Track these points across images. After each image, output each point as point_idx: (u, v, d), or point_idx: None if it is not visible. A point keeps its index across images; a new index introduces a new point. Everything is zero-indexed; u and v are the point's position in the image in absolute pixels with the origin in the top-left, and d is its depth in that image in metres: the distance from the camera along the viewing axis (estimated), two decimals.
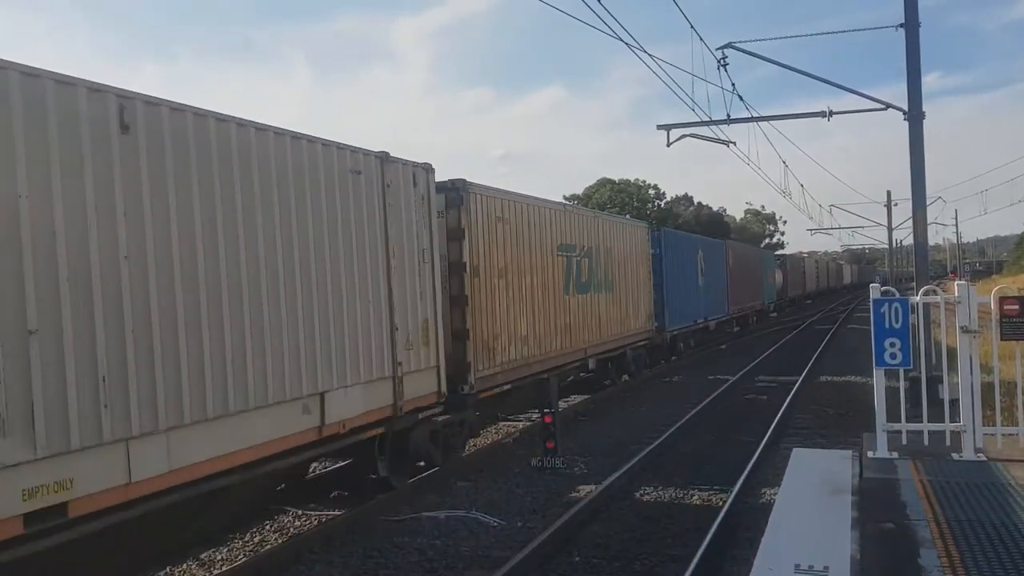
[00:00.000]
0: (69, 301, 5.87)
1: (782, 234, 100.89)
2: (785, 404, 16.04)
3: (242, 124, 7.61)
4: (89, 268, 6.04)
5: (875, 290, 7.55)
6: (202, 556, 8.43)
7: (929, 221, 15.88)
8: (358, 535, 8.94)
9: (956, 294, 7.43)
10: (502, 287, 13.15)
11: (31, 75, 5.73)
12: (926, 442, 7.50)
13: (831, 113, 17.33)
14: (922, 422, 7.59)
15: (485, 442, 13.91)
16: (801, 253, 75.53)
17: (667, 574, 7.64)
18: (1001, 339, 7.38)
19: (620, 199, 67.62)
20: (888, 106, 15.68)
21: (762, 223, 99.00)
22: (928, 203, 15.10)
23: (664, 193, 74.51)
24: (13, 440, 5.44)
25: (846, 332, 36.62)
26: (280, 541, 8.91)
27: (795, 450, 7.95)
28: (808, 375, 20.86)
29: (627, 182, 71.46)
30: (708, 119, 17.96)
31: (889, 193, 42.14)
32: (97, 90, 6.26)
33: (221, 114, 7.42)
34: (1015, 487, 6.28)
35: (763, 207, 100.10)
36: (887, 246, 49.66)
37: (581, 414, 16.47)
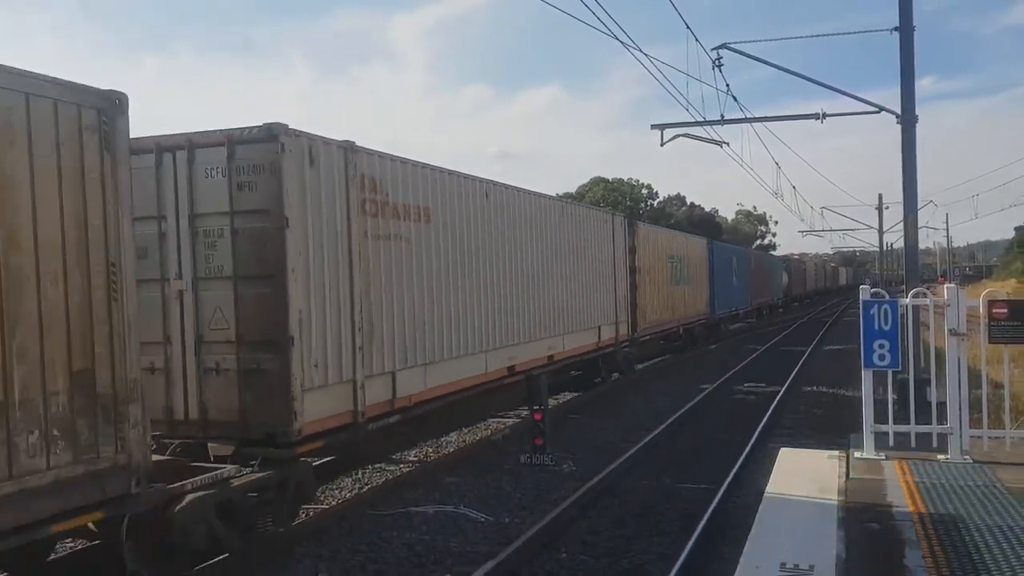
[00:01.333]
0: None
1: (773, 235, 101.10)
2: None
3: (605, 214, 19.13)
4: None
5: (865, 292, 7.58)
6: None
7: (920, 225, 15.97)
8: (346, 529, 8.95)
9: (945, 297, 7.47)
10: (648, 280, 22.34)
11: None
12: (913, 444, 7.54)
13: (824, 115, 17.36)
14: (909, 424, 7.63)
15: (474, 438, 13.93)
16: (792, 255, 76.15)
17: (655, 572, 7.67)
18: (989, 342, 7.43)
19: (613, 198, 67.73)
20: (881, 109, 15.71)
21: (753, 224, 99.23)
22: (919, 207, 15.14)
23: (657, 193, 74.73)
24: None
25: (840, 325, 42.46)
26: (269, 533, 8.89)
27: (782, 450, 8.00)
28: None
29: (620, 181, 71.60)
30: (703, 119, 18.00)
31: (880, 196, 42.44)
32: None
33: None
34: (1000, 490, 6.33)
35: (755, 208, 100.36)
36: (878, 249, 50.00)
37: (572, 412, 16.51)
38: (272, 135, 7.93)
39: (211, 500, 7.16)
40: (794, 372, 21.61)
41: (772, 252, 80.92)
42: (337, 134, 9.10)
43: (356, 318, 8.97)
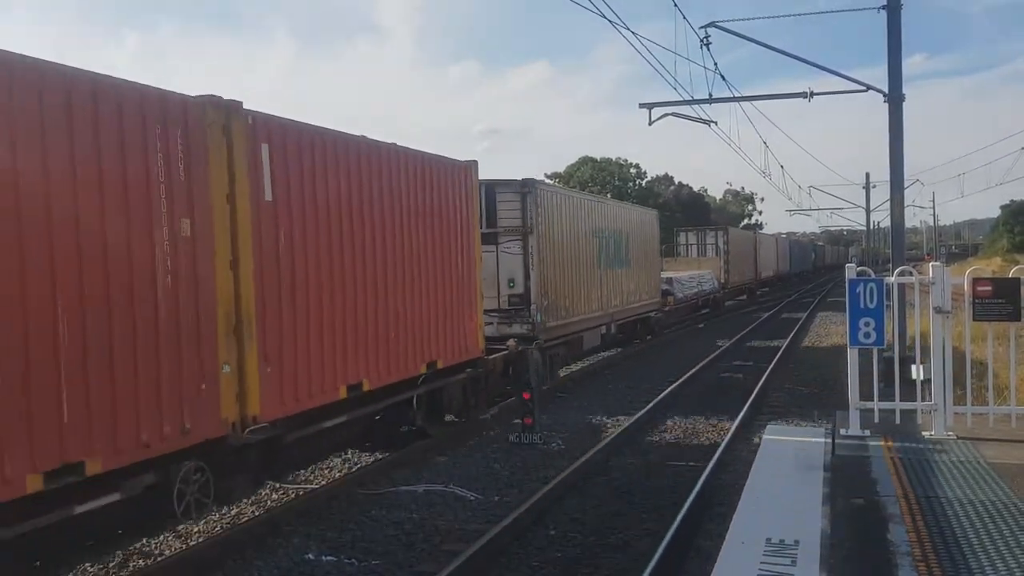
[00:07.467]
0: None
1: (760, 214, 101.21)
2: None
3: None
4: None
5: (851, 270, 7.60)
6: (179, 528, 8.42)
7: (907, 203, 16.03)
8: (335, 508, 8.97)
9: (931, 275, 7.50)
10: (771, 258, 52.72)
11: None
12: (898, 420, 7.60)
13: (812, 94, 17.35)
14: (894, 401, 7.69)
15: (464, 417, 13.92)
16: (780, 234, 77.52)
17: (642, 548, 7.73)
18: (973, 319, 7.48)
19: (601, 178, 67.66)
20: (869, 88, 15.71)
21: (741, 204, 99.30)
22: (906, 185, 15.21)
23: (645, 172, 74.60)
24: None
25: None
26: (257, 514, 8.92)
27: (769, 426, 8.06)
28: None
29: (608, 161, 71.43)
30: (691, 98, 17.95)
31: (868, 175, 42.55)
32: None
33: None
34: (983, 465, 6.40)
35: (743, 188, 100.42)
36: (864, 228, 50.35)
37: (559, 391, 16.57)
38: None
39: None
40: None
41: (760, 230, 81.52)
42: (323, 110, 9.05)
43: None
